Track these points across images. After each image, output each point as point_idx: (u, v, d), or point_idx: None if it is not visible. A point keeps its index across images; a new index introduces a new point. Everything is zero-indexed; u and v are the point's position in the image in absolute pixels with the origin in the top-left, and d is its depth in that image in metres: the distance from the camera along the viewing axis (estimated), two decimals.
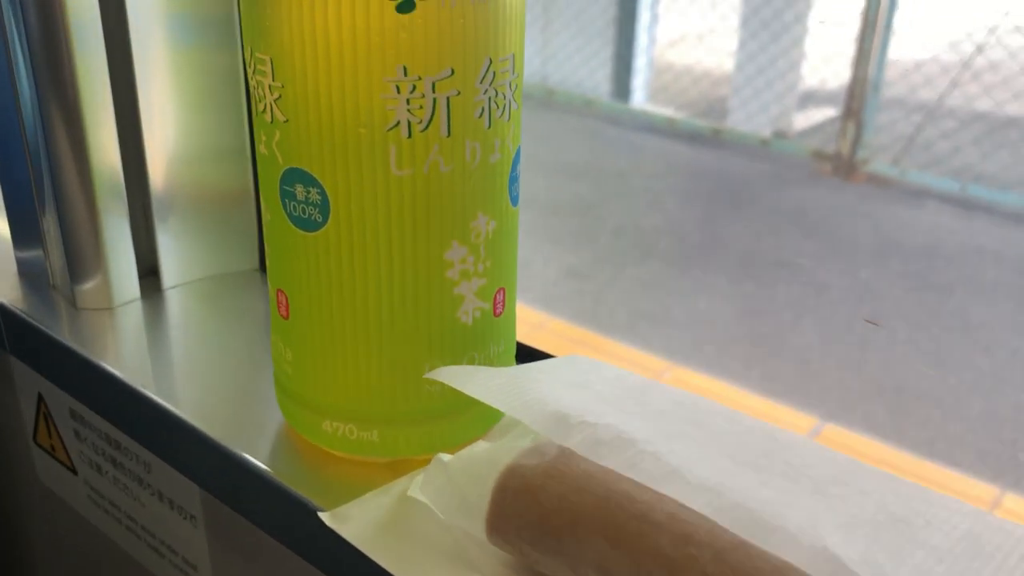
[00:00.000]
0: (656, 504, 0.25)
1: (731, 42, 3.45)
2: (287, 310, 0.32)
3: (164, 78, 0.42)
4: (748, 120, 3.29)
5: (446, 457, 0.29)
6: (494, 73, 0.29)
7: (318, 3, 0.27)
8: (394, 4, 0.26)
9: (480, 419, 0.33)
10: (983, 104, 3.16)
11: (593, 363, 0.32)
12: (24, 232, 0.45)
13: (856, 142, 2.99)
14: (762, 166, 3.12)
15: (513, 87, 0.30)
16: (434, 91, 0.28)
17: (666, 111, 3.46)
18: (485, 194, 0.30)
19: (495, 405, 0.27)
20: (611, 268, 2.37)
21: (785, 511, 0.23)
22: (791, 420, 1.77)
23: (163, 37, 0.41)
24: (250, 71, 0.30)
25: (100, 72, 0.40)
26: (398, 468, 0.33)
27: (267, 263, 0.33)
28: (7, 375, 0.54)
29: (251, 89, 0.30)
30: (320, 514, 0.30)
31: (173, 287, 0.45)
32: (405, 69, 0.27)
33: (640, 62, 3.52)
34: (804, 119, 3.48)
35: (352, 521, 0.30)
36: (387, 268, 0.30)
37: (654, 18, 3.55)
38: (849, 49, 3.09)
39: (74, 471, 0.52)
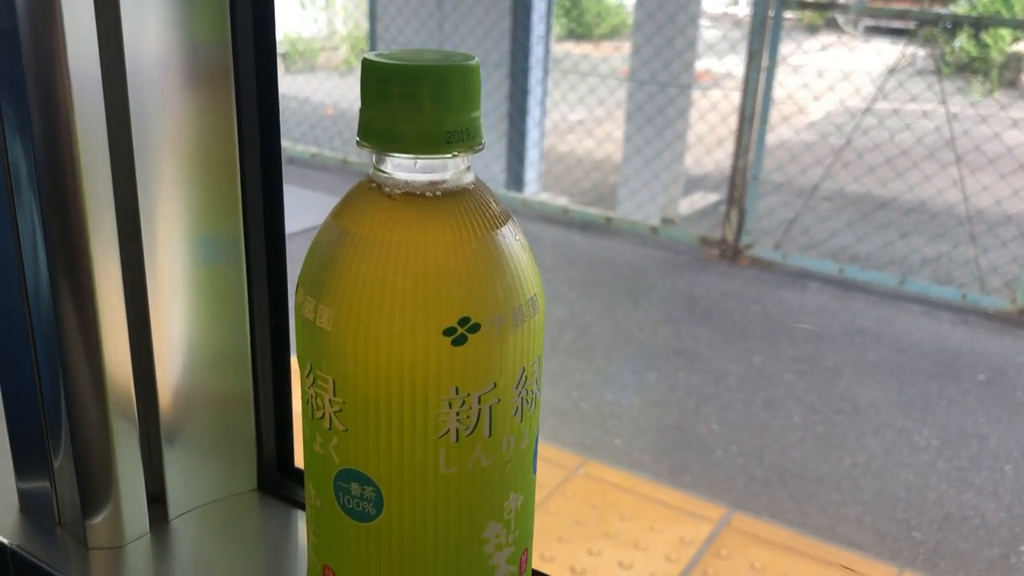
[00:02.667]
0: None
1: (619, 133, 3.61)
2: None
3: (176, 294, 0.43)
4: (638, 208, 3.44)
5: None
6: (526, 377, 0.33)
7: (383, 339, 0.30)
8: (449, 340, 0.30)
9: None
10: (854, 189, 3.40)
11: None
12: (28, 460, 0.46)
13: (740, 228, 3.16)
14: (654, 252, 3.26)
15: (538, 382, 0.34)
16: (479, 403, 0.32)
17: (560, 201, 3.58)
18: (516, 476, 0.34)
19: None
20: None
21: None
22: (701, 511, 1.84)
23: (179, 255, 0.43)
24: (306, 382, 0.33)
25: (116, 289, 0.41)
26: None
27: (311, 539, 0.36)
28: None
29: (306, 397, 0.33)
30: None
31: (179, 516, 0.47)
32: (457, 389, 0.31)
33: (532, 154, 3.64)
34: (689, 206, 3.66)
35: None
36: (432, 552, 0.33)
37: (543, 112, 3.68)
38: (729, 141, 3.29)
39: None
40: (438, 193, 0.32)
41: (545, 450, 2.08)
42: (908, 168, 3.07)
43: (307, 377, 0.33)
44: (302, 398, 0.34)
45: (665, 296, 2.93)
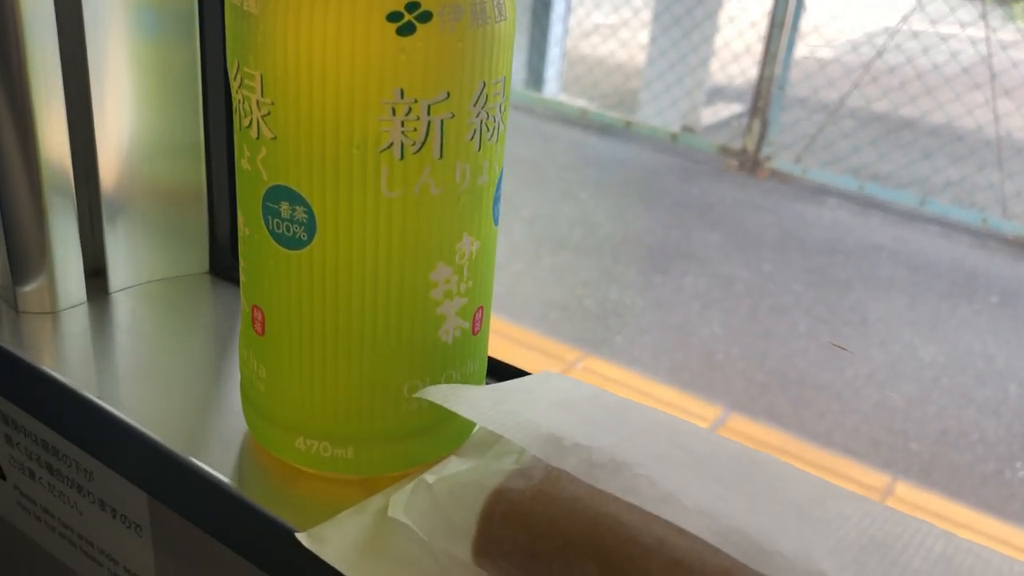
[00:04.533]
0: (645, 528, 0.26)
1: (644, 36, 3.50)
2: (263, 327, 0.31)
3: (119, 70, 0.40)
4: (658, 114, 3.35)
5: (431, 479, 0.29)
6: (487, 96, 0.29)
7: (316, 22, 0.26)
8: (395, 27, 0.26)
9: (453, 435, 0.33)
10: (881, 106, 3.30)
11: (568, 380, 0.33)
12: None
13: (761, 139, 3.08)
14: (671, 159, 3.18)
15: (502, 109, 0.30)
16: (429, 114, 0.28)
17: (579, 102, 3.49)
18: (471, 215, 0.30)
19: (488, 426, 0.27)
20: (525, 257, 2.39)
21: (778, 536, 0.24)
22: (697, 410, 1.82)
23: (121, 28, 0.39)
24: (234, 84, 0.29)
25: (52, 62, 0.38)
26: (369, 485, 0.33)
27: (242, 278, 0.32)
28: None
29: (235, 103, 0.29)
30: (298, 535, 0.30)
31: (121, 290, 0.44)
32: (402, 91, 0.27)
33: (554, 52, 3.54)
34: (712, 115, 3.56)
35: (331, 542, 0.30)
36: (372, 288, 0.29)
37: (568, 9, 3.57)
38: (757, 48, 3.18)
39: (3, 476, 0.50)
40: None
41: (544, 343, 2.06)
42: (939, 86, 2.97)
43: (235, 79, 0.29)
44: (232, 108, 0.30)
45: (679, 202, 2.87)
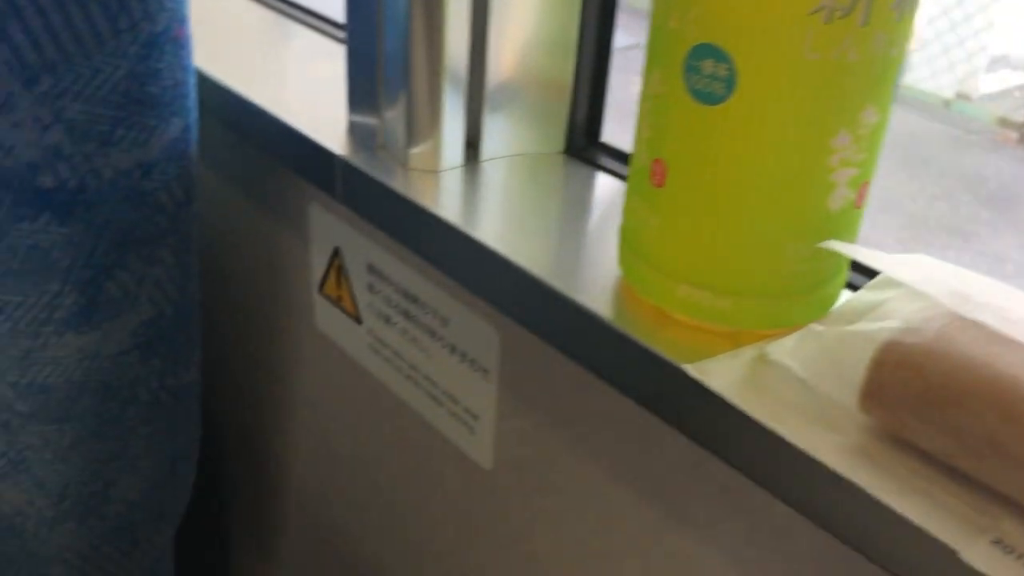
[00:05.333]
0: None
1: None
2: (662, 179, 0.34)
3: None
4: (932, 77, 3.14)
5: (818, 327, 0.31)
6: None
7: None
8: None
9: (819, 304, 0.35)
10: None
11: (939, 261, 0.34)
12: (362, 99, 0.49)
13: None
14: (941, 127, 2.98)
15: None
16: None
17: None
18: (878, 87, 0.32)
19: (899, 278, 0.29)
20: None
21: None
22: None
23: None
24: None
25: None
26: (736, 338, 0.35)
27: (642, 135, 0.35)
28: (302, 229, 0.59)
29: None
30: (685, 366, 0.33)
31: (489, 159, 0.48)
32: None
33: None
34: (992, 83, 3.30)
35: (715, 375, 0.32)
36: (776, 147, 0.32)
37: None
38: None
39: (358, 321, 0.57)
40: None
41: None
42: None
43: None
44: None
45: (946, 171, 2.69)
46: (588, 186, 0.47)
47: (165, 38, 0.45)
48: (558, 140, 0.50)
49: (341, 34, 0.64)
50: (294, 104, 0.53)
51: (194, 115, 0.50)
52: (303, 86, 0.57)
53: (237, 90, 0.55)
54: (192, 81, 0.49)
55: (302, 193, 0.58)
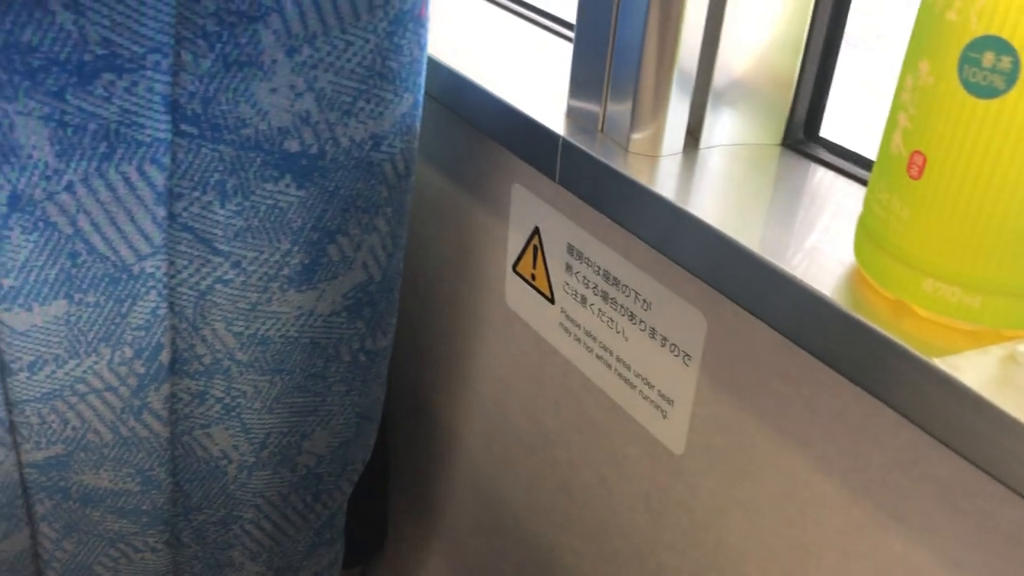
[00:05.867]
0: None
1: None
2: (920, 171, 0.34)
3: None
4: None
5: None
6: None
7: None
8: None
9: None
10: None
11: None
12: (584, 86, 0.51)
13: None
14: None
15: None
16: None
17: None
18: None
19: None
20: None
21: None
22: None
23: None
24: None
25: None
26: (979, 337, 0.35)
27: (898, 125, 0.35)
28: (502, 208, 0.61)
29: None
30: (934, 360, 0.33)
31: (708, 148, 0.49)
32: None
33: None
34: None
35: (966, 371, 0.32)
36: None
37: None
38: None
39: (551, 300, 0.59)
40: None
41: None
42: None
43: None
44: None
45: None
46: (806, 178, 0.48)
47: (410, 16, 0.48)
48: (777, 132, 0.50)
49: (558, 28, 0.66)
50: (513, 89, 0.55)
51: (422, 92, 0.53)
52: (523, 74, 0.59)
53: (458, 70, 0.57)
54: (425, 59, 0.52)
55: (506, 172, 0.60)
